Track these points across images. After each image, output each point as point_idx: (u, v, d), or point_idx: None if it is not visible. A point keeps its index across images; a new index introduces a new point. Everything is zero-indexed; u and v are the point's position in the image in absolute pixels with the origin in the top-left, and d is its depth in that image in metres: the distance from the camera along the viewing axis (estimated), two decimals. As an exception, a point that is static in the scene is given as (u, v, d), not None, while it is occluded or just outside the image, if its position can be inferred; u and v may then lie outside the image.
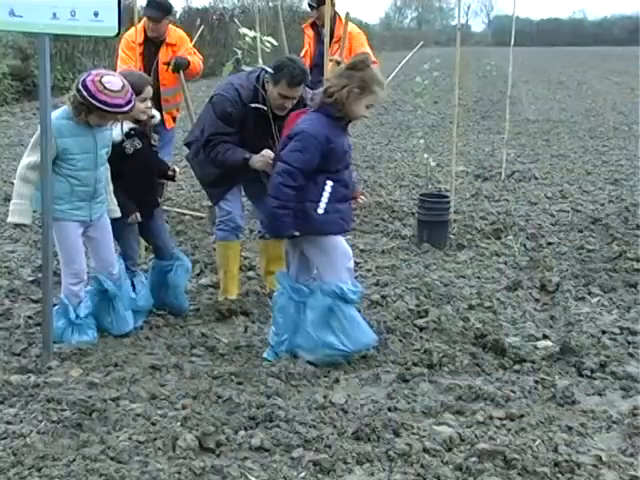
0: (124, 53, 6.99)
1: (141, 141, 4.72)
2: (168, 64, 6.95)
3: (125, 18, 6.82)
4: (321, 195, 4.24)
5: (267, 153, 4.84)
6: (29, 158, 4.35)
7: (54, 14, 3.99)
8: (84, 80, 4.25)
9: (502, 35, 50.87)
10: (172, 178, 5.12)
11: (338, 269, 4.36)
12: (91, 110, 4.26)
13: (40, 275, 5.00)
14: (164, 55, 7.06)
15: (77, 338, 4.54)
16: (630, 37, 67.72)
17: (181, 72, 7.03)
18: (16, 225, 4.51)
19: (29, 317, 4.95)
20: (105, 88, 4.21)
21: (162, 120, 6.63)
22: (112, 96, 4.22)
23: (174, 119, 7.32)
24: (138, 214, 4.76)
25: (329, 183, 4.24)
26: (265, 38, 4.73)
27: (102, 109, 4.23)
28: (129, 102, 4.28)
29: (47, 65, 4.10)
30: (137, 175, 4.75)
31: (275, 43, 4.82)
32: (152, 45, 7.04)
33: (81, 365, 4.26)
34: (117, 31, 4.39)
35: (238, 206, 5.24)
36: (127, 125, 4.64)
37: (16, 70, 17.23)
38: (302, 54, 7.59)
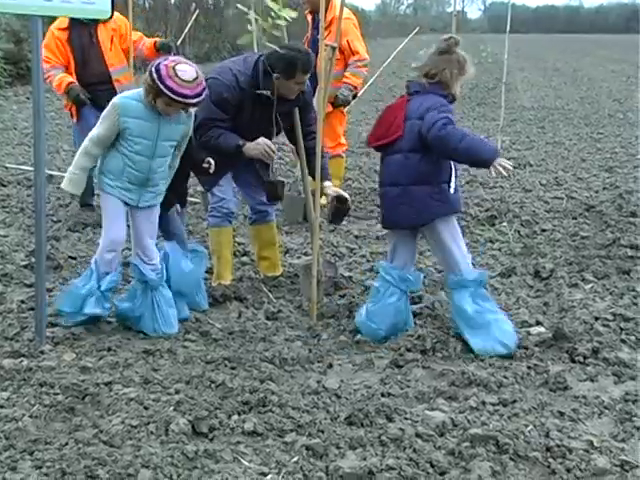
0: (49, 51, 6.66)
1: None
2: None
3: (119, 2, 6.79)
4: (451, 174, 4.38)
5: (263, 141, 4.82)
6: (93, 131, 4.39)
7: (47, -4, 3.97)
8: (159, 63, 4.19)
9: (498, 22, 50.84)
10: (207, 171, 4.79)
11: (464, 249, 4.45)
12: (158, 94, 4.20)
13: (33, 260, 4.99)
14: (104, 35, 6.78)
15: (89, 309, 4.52)
16: (626, 25, 67.64)
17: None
18: (72, 195, 4.51)
19: (22, 301, 4.94)
20: (176, 75, 4.14)
21: None
22: (180, 84, 4.14)
23: None
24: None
25: (452, 162, 4.37)
26: (283, 12, 4.56)
27: (167, 95, 4.16)
28: (198, 95, 4.19)
29: (40, 47, 4.08)
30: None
31: (294, 15, 4.68)
32: (84, 27, 6.69)
33: (74, 349, 4.26)
34: (110, 14, 4.38)
35: (230, 192, 5.22)
36: None
37: (9, 54, 17.14)
38: (304, 40, 7.48)
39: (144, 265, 4.55)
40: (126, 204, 4.49)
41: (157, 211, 4.62)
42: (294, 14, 4.70)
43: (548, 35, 61.53)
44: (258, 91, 4.81)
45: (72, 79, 6.72)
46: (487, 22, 80.00)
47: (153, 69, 4.18)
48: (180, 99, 4.18)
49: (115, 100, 4.39)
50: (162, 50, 6.81)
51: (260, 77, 4.84)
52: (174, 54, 6.85)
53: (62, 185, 4.49)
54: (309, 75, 4.85)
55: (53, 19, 6.79)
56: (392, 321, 4.49)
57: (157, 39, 7.02)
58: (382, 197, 4.55)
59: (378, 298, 4.52)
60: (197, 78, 4.18)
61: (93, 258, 4.58)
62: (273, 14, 4.61)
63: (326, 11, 7.08)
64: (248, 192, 5.29)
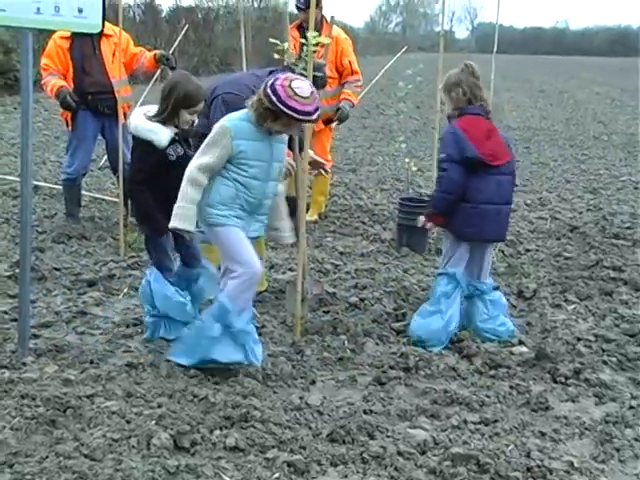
0: (49, 59, 6.75)
1: (183, 148, 4.47)
2: None
3: (110, 15, 6.80)
4: None
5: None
6: (201, 159, 4.06)
7: (38, 9, 3.98)
8: (273, 84, 3.97)
9: (485, 42, 51.17)
10: None
11: None
12: (278, 117, 3.99)
13: (17, 270, 4.97)
14: (106, 47, 6.84)
15: (226, 356, 4.14)
16: (611, 48, 68.41)
17: (166, 68, 6.93)
18: (179, 230, 4.11)
19: (5, 312, 4.91)
20: (295, 94, 3.93)
21: (117, 113, 6.59)
22: (302, 103, 3.94)
23: (125, 115, 7.06)
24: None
25: None
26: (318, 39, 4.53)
27: (292, 116, 3.96)
28: (317, 109, 4.01)
29: (30, 60, 4.08)
30: (178, 183, 4.42)
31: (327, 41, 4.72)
32: (87, 37, 6.68)
33: (56, 361, 4.24)
34: (101, 28, 4.39)
35: None
36: (171, 130, 4.39)
37: (-3, 64, 17.12)
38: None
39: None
40: None
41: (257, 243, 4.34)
42: (327, 40, 4.76)
43: (534, 56, 62.09)
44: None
45: (65, 84, 6.74)
46: (474, 42, 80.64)
47: (269, 91, 3.96)
48: (305, 117, 4.00)
49: (224, 124, 4.10)
50: (161, 62, 6.85)
51: None
52: (172, 67, 6.89)
53: (172, 224, 4.06)
54: None
55: (44, 31, 6.81)
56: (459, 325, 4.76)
57: (157, 51, 7.05)
58: (495, 213, 4.68)
59: (449, 303, 4.69)
60: (313, 92, 4.00)
61: (220, 298, 4.13)
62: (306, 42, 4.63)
63: (321, 29, 7.16)
64: None
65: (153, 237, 4.58)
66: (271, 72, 4.91)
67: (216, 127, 4.12)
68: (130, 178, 4.67)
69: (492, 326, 4.76)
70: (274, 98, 3.95)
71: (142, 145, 4.39)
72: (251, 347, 4.19)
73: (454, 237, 4.73)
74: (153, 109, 4.44)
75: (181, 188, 4.08)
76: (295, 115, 3.96)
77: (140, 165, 4.47)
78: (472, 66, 4.74)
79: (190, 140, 4.59)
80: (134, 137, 4.47)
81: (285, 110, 3.94)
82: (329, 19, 7.04)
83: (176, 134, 4.43)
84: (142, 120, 4.39)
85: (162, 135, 4.34)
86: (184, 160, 4.44)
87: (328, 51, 6.85)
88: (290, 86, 3.96)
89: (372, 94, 16.64)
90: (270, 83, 4.01)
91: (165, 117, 4.37)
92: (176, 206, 4.09)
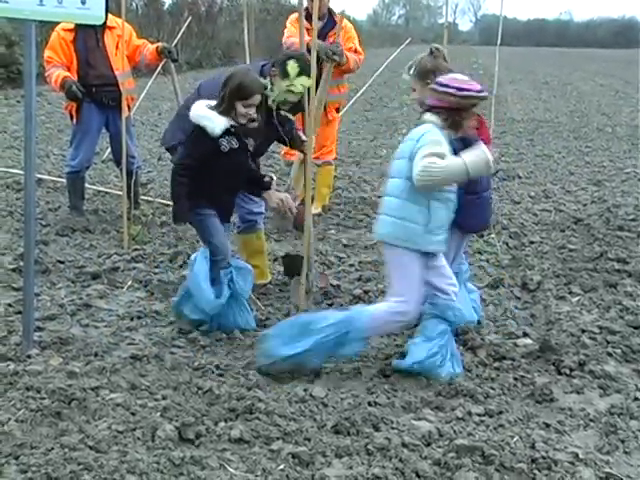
0: (52, 51, 6.77)
1: (238, 142, 4.48)
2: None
3: (112, 7, 6.80)
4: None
5: (285, 196, 4.86)
6: (442, 161, 3.84)
7: (41, 0, 3.97)
8: (445, 84, 3.93)
9: (489, 34, 51.13)
10: (269, 186, 4.78)
11: None
12: (466, 109, 3.94)
13: (21, 263, 4.97)
14: (110, 39, 6.86)
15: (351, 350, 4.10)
16: (615, 39, 68.18)
17: (169, 61, 6.92)
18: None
19: (9, 305, 4.92)
20: (463, 81, 3.94)
21: (120, 106, 6.57)
22: (469, 83, 3.94)
23: (129, 107, 6.94)
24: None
25: None
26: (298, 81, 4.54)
27: (480, 97, 3.92)
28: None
29: (33, 52, 4.07)
30: (227, 176, 4.50)
31: (308, 85, 4.65)
32: (91, 30, 6.73)
33: (61, 354, 4.24)
34: (104, 19, 4.38)
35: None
36: (227, 121, 4.41)
37: (0, 57, 17.09)
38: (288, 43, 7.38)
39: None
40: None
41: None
42: (309, 83, 4.64)
43: (538, 48, 61.90)
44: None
45: (69, 74, 6.73)
46: (478, 34, 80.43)
47: (450, 90, 3.91)
48: (485, 94, 3.96)
49: (438, 138, 3.94)
50: (163, 54, 6.84)
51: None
52: (174, 60, 6.88)
53: None
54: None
55: (46, 23, 6.80)
56: None
57: (159, 44, 7.04)
58: (489, 200, 4.69)
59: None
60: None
61: (362, 314, 4.06)
62: (289, 81, 4.60)
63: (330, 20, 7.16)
64: (237, 201, 5.29)
65: (202, 221, 4.57)
66: (263, 66, 4.91)
67: (431, 138, 3.91)
68: (177, 160, 4.64)
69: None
70: (455, 91, 3.88)
71: (197, 131, 4.43)
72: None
73: (457, 231, 4.65)
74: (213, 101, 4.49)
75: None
76: (482, 95, 3.93)
77: (190, 150, 4.50)
78: (442, 50, 4.53)
79: (250, 139, 4.55)
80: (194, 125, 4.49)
81: (473, 94, 3.90)
82: (339, 12, 7.09)
83: (232, 126, 4.42)
84: (200, 107, 4.44)
85: (217, 123, 4.38)
86: (237, 154, 4.45)
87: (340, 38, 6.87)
88: (454, 78, 3.96)
89: (375, 86, 16.62)
90: (442, 83, 3.95)
91: (222, 109, 4.40)
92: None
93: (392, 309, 4.00)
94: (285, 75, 4.67)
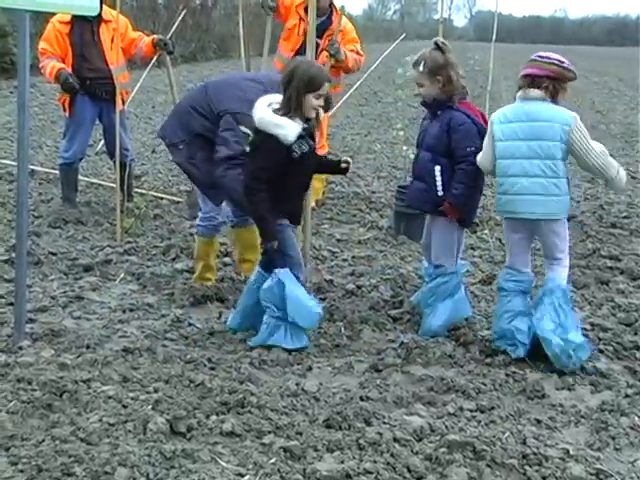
0: (47, 43, 6.76)
1: (307, 145, 4.25)
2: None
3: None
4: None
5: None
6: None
7: (35, -9, 3.95)
8: (555, 61, 4.22)
9: (484, 30, 51.00)
10: (346, 170, 4.66)
11: None
12: (564, 87, 4.26)
13: (13, 254, 4.95)
14: (106, 33, 6.84)
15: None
16: (609, 37, 68.21)
17: (164, 54, 6.89)
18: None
19: (1, 296, 4.92)
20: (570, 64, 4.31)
21: (114, 98, 6.54)
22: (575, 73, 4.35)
23: (123, 101, 6.94)
24: (275, 243, 4.29)
25: None
26: None
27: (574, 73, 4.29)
28: None
29: (26, 43, 4.06)
30: (298, 181, 4.35)
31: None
32: (87, 23, 6.74)
33: (53, 346, 4.23)
34: (98, 11, 4.37)
35: (223, 204, 5.18)
36: (298, 124, 4.16)
37: (-7, 48, 17.01)
38: (287, 35, 7.32)
39: None
40: None
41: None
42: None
43: (533, 45, 61.86)
44: None
45: (64, 66, 6.71)
46: (473, 30, 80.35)
47: (553, 60, 4.21)
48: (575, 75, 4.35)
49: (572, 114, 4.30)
50: (159, 47, 6.82)
51: None
52: (169, 52, 6.86)
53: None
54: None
55: (40, 14, 6.78)
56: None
57: (155, 36, 7.02)
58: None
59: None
60: None
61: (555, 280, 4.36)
62: None
63: (331, 16, 7.09)
64: None
65: (280, 233, 4.31)
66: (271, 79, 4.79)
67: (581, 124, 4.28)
68: (251, 175, 4.26)
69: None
70: (558, 62, 4.20)
71: (267, 141, 4.12)
72: None
73: (458, 227, 4.66)
74: (275, 100, 4.20)
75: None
76: (574, 73, 4.32)
77: (264, 162, 4.18)
78: (448, 44, 4.55)
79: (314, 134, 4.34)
80: (256, 131, 4.21)
81: (572, 69, 4.29)
82: (339, 8, 7.04)
83: (304, 129, 4.20)
84: (268, 113, 4.13)
85: (290, 130, 4.11)
86: (308, 158, 4.24)
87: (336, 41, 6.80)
88: (549, 53, 4.28)
89: (370, 81, 16.59)
90: (544, 55, 4.24)
91: (292, 107, 4.12)
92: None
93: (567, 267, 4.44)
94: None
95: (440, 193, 4.50)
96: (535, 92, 4.22)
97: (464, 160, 4.45)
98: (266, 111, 4.17)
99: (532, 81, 4.22)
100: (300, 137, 4.18)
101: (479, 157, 4.41)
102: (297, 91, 4.14)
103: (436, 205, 4.53)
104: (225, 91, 4.86)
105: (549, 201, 4.26)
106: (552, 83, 4.20)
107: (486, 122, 4.49)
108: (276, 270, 4.30)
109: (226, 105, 4.77)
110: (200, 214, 5.22)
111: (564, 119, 4.23)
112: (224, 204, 5.15)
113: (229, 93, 4.84)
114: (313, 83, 4.16)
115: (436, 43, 4.52)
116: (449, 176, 4.48)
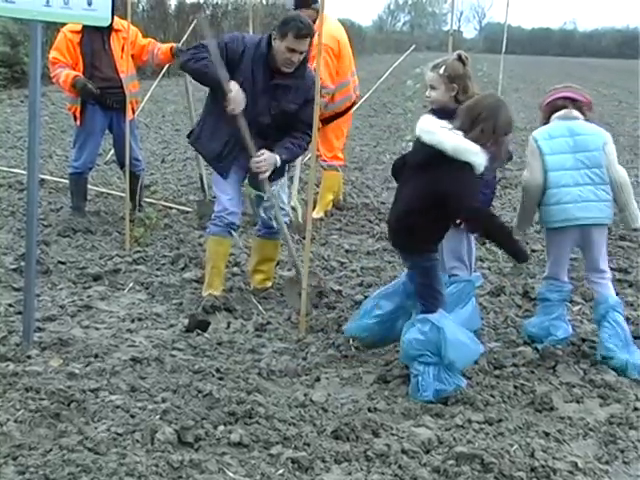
0: (58, 52, 6.77)
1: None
2: None
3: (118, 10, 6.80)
4: None
5: (240, 97, 4.83)
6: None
7: (47, 1, 3.99)
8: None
9: (493, 42, 51.10)
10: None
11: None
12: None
13: (23, 263, 4.97)
14: (116, 43, 6.86)
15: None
16: (619, 50, 68.24)
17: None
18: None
19: (10, 305, 4.92)
20: None
21: (125, 108, 6.56)
22: None
23: (133, 111, 6.97)
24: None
25: None
26: None
27: None
28: None
29: (38, 53, 4.08)
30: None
31: None
32: (97, 32, 6.74)
33: (61, 355, 4.24)
34: (110, 21, 4.39)
35: (237, 204, 5.18)
36: (486, 155, 3.93)
37: (5, 56, 17.10)
38: None
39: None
40: None
41: None
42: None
43: (542, 57, 61.97)
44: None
45: (78, 73, 6.74)
46: (482, 42, 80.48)
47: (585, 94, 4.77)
48: None
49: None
50: (177, 56, 6.83)
51: (263, 43, 4.95)
52: None
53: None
54: (304, 46, 4.87)
55: (52, 24, 6.82)
56: None
57: (174, 44, 7.04)
58: None
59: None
60: None
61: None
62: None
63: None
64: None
65: (438, 267, 4.16)
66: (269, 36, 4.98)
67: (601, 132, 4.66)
68: (470, 206, 3.97)
69: None
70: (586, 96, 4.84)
71: (461, 168, 3.90)
72: None
73: (466, 233, 4.64)
74: (449, 125, 3.96)
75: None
76: None
77: (472, 189, 3.98)
78: (469, 58, 4.65)
79: None
80: (450, 160, 3.87)
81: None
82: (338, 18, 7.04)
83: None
84: (461, 139, 3.90)
85: (482, 159, 3.91)
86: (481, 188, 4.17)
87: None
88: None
89: (379, 93, 16.62)
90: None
91: (488, 144, 3.94)
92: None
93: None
94: (283, 36, 4.82)
95: None
96: (576, 112, 4.69)
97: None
98: (458, 137, 3.92)
99: (572, 102, 4.73)
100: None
101: (527, 174, 4.61)
102: (496, 131, 3.98)
103: None
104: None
105: (602, 206, 4.50)
106: (585, 105, 4.75)
107: None
108: (429, 316, 4.03)
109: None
110: (213, 214, 5.24)
111: (601, 133, 4.67)
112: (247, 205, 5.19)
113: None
114: (510, 127, 4.09)
115: (459, 55, 4.58)
116: None
